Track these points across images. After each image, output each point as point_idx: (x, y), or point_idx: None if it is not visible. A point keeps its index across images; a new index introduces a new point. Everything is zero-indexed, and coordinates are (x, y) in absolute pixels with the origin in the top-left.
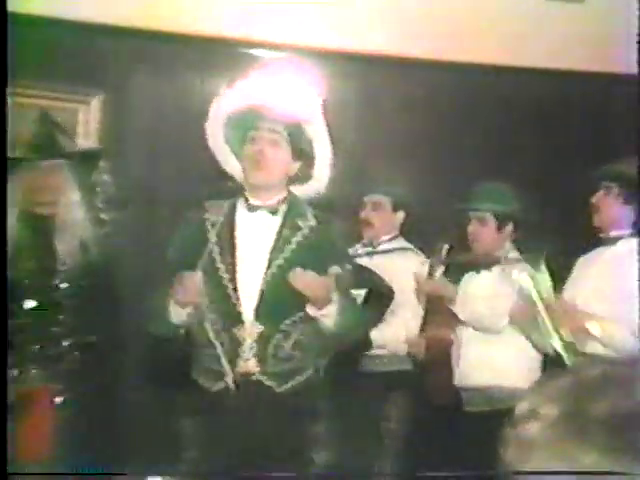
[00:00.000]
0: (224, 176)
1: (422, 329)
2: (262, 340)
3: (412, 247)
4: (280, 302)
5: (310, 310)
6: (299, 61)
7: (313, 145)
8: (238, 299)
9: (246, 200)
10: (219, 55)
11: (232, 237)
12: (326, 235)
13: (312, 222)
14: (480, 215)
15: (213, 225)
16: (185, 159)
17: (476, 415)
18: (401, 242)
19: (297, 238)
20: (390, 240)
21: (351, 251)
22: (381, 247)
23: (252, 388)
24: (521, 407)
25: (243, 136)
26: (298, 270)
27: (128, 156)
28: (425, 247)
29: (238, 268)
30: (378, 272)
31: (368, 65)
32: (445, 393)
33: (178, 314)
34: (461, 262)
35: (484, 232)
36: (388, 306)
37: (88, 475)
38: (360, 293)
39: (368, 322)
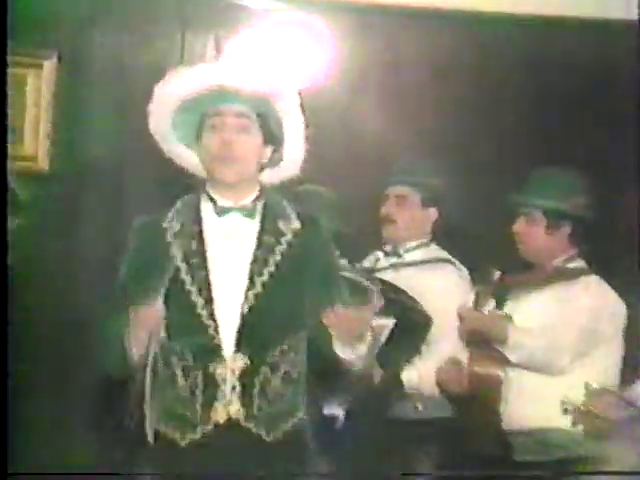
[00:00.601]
0: (170, 167)
1: (463, 364)
2: (246, 376)
3: (450, 258)
4: (266, 328)
5: (342, 351)
6: (304, 16)
7: (282, 122)
8: (216, 328)
9: (211, 200)
10: (202, 6)
11: (202, 250)
12: (315, 241)
13: (296, 224)
14: (528, 211)
15: (176, 236)
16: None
17: (529, 465)
18: (435, 250)
19: (282, 247)
20: (420, 247)
21: (370, 262)
22: (409, 256)
23: (235, 439)
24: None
25: (199, 122)
26: (338, 308)
27: (86, 132)
28: (464, 257)
29: (214, 289)
30: (408, 291)
31: (388, 19)
32: (491, 440)
33: (138, 345)
34: (510, 283)
35: (533, 233)
36: (424, 338)
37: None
38: (387, 323)
39: (398, 359)
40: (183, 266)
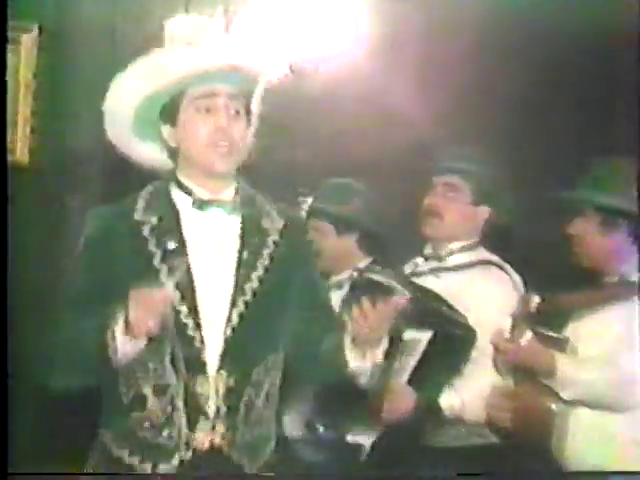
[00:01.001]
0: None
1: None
2: (231, 397)
3: (501, 262)
4: (254, 341)
5: (354, 360)
6: None
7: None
8: (202, 341)
9: (185, 191)
10: None
11: (183, 250)
12: (300, 242)
13: (279, 223)
14: (580, 209)
15: (153, 232)
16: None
17: None
18: (482, 252)
19: (269, 249)
20: (466, 249)
21: (409, 267)
22: (453, 260)
23: (216, 469)
24: None
25: (175, 103)
26: (366, 304)
27: (72, 120)
28: (515, 266)
29: (198, 297)
30: (451, 300)
31: None
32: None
33: (126, 348)
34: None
35: (589, 235)
36: (467, 357)
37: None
38: (421, 337)
39: (436, 381)
40: (163, 268)
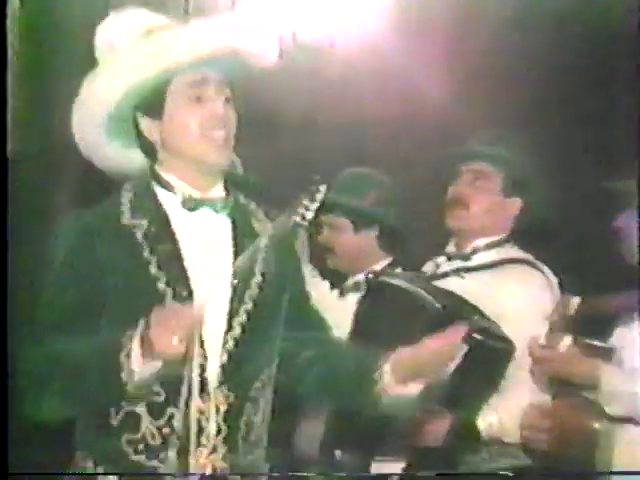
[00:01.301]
0: None
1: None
2: (232, 415)
3: (534, 260)
4: (253, 355)
5: (393, 389)
6: None
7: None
8: (204, 355)
9: (167, 188)
10: None
11: (178, 255)
12: (290, 245)
13: (268, 224)
14: (629, 200)
15: (146, 237)
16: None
17: None
18: (512, 250)
19: (262, 253)
20: (493, 245)
21: (430, 267)
22: (478, 258)
23: None
24: None
25: (159, 92)
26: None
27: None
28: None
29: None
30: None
31: None
32: None
33: (143, 369)
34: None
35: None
36: (504, 372)
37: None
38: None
39: (473, 400)
40: (162, 276)
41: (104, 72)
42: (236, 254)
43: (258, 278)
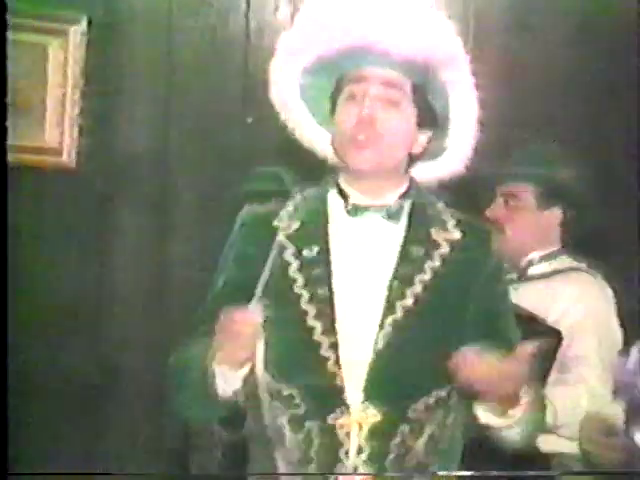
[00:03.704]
0: (295, 152)
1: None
2: (378, 435)
3: (585, 267)
4: (407, 370)
5: (483, 416)
6: None
7: (449, 100)
8: (338, 365)
9: (342, 195)
10: None
11: (326, 259)
12: (481, 258)
13: (455, 234)
14: None
15: (291, 238)
16: (216, 124)
17: None
18: (567, 260)
19: (433, 263)
20: (547, 258)
21: None
22: (533, 270)
23: None
24: None
25: (334, 91)
26: (469, 354)
27: (124, 120)
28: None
29: (338, 312)
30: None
31: None
32: None
33: (227, 380)
34: None
35: None
36: (554, 362)
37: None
38: None
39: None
40: (299, 278)
41: (286, 41)
42: (399, 263)
43: (417, 289)
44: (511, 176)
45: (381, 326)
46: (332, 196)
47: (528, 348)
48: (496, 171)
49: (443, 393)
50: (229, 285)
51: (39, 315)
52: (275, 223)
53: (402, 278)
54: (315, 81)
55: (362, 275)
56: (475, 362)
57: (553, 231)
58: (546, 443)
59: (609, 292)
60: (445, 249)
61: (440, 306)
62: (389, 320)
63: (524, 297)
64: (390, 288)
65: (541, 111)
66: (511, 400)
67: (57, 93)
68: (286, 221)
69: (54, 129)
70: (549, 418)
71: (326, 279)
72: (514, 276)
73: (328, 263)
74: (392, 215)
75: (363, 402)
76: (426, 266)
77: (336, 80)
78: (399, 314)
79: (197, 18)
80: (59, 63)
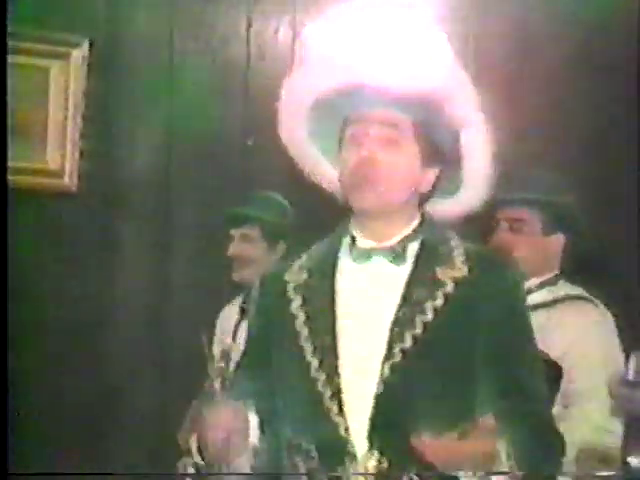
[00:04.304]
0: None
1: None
2: None
3: (588, 296)
4: (410, 414)
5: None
6: None
7: (460, 134)
8: (342, 415)
9: (352, 239)
10: None
11: (331, 309)
12: (491, 293)
13: (461, 270)
14: None
15: (296, 290)
16: (216, 148)
17: None
18: (565, 287)
19: (435, 301)
20: (545, 285)
21: None
22: (532, 298)
23: None
24: None
25: (337, 132)
26: (425, 438)
27: (125, 143)
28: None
29: (340, 361)
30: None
31: None
32: None
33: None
34: None
35: None
36: (555, 396)
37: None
38: None
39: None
40: (304, 329)
41: (294, 80)
42: (401, 305)
43: (417, 330)
44: (514, 201)
45: (381, 372)
46: (344, 243)
47: (489, 421)
48: (499, 196)
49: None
50: (252, 341)
51: (38, 335)
52: (286, 278)
53: (402, 321)
54: (322, 123)
55: (366, 321)
56: (433, 445)
57: (555, 256)
58: None
59: (611, 320)
60: (449, 287)
61: (442, 345)
62: (387, 365)
63: None
64: (391, 332)
65: (541, 135)
66: (491, 460)
67: (58, 116)
68: (296, 273)
69: (55, 152)
70: None
71: (330, 329)
72: None
73: (333, 312)
74: (397, 257)
75: (369, 450)
76: (427, 306)
77: (343, 121)
78: (397, 358)
79: (198, 41)
80: (60, 86)
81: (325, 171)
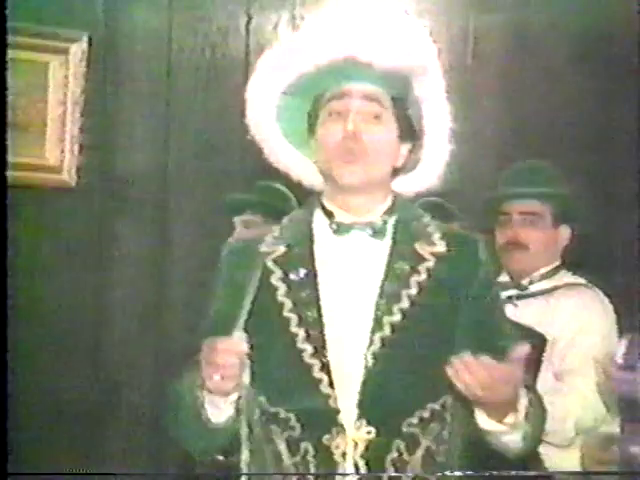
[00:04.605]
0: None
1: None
2: (373, 452)
3: (587, 283)
4: (399, 385)
5: (484, 422)
6: None
7: (422, 111)
8: (331, 386)
9: (327, 214)
10: None
11: (312, 282)
12: (468, 269)
13: (440, 246)
14: None
15: (277, 262)
16: (215, 142)
17: None
18: (566, 276)
19: (419, 277)
20: (547, 275)
21: None
22: (534, 287)
23: None
24: None
25: (311, 109)
26: (467, 358)
27: (123, 138)
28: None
29: (327, 333)
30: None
31: None
32: None
33: (217, 408)
34: None
35: None
36: (540, 367)
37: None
38: None
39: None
40: (287, 302)
41: (265, 61)
42: (385, 279)
43: (404, 304)
44: (525, 195)
45: (370, 343)
46: (317, 216)
47: (522, 350)
48: (509, 190)
49: (437, 406)
50: (219, 314)
51: (37, 332)
52: (262, 249)
53: (389, 295)
54: (292, 101)
55: (350, 294)
56: (473, 366)
57: (559, 247)
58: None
59: (609, 306)
60: (431, 262)
61: (428, 319)
62: (377, 337)
63: (525, 313)
64: (377, 305)
65: (543, 130)
66: (510, 404)
67: (58, 111)
68: (272, 246)
69: (54, 147)
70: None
71: (314, 301)
72: (513, 292)
73: (315, 285)
74: (377, 232)
75: (357, 420)
76: (412, 281)
77: (314, 98)
78: (387, 330)
79: (197, 36)
80: (60, 81)
81: (289, 157)
